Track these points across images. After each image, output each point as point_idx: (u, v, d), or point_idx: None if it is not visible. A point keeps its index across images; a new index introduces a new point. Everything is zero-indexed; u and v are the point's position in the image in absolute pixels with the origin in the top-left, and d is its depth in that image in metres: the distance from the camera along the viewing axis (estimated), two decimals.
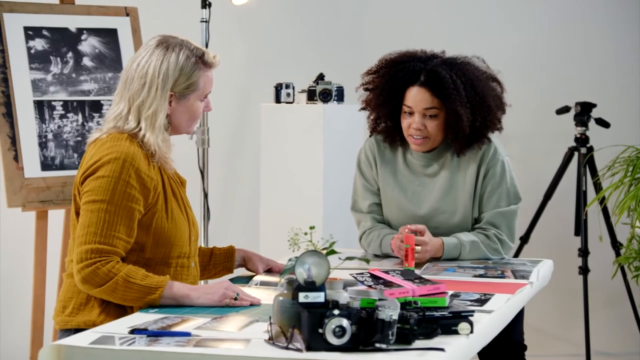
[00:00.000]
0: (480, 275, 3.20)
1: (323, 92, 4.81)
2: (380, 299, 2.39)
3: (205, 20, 4.93)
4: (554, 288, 5.60)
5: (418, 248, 3.33)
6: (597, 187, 5.13)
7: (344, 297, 2.36)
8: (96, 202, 2.77)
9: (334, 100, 4.82)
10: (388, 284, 2.55)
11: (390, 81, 3.48)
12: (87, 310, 2.83)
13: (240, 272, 3.26)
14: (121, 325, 2.53)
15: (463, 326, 2.45)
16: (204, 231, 4.96)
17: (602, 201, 4.99)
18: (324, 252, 2.40)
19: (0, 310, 5.44)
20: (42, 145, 4.53)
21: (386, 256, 3.52)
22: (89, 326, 2.74)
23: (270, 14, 5.78)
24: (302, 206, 4.88)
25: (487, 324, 2.64)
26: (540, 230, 5.37)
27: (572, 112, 5.32)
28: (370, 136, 3.65)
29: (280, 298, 2.38)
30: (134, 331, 2.45)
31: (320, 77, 4.87)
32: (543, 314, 5.59)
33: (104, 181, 2.78)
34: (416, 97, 3.43)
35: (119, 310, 2.78)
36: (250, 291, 2.89)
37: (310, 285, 2.32)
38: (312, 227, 2.42)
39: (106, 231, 2.76)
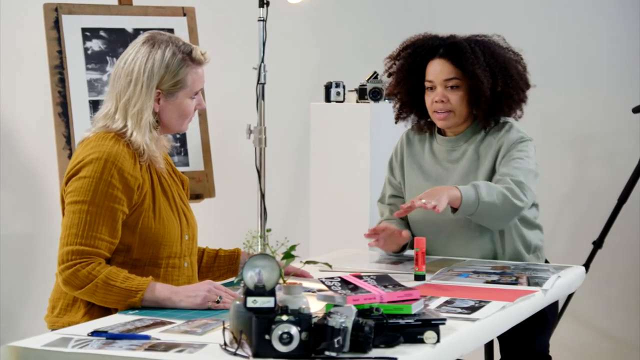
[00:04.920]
0: (493, 282, 3.06)
1: (373, 91, 4.71)
2: (335, 305, 2.29)
3: (262, 19, 4.85)
4: (631, 296, 5.37)
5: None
6: None
7: (301, 302, 2.27)
8: (78, 203, 2.75)
9: (385, 99, 4.71)
10: (356, 290, 2.44)
11: (409, 58, 3.46)
12: (73, 312, 2.82)
13: None
14: (92, 327, 2.48)
15: (429, 335, 2.33)
16: (261, 231, 4.91)
17: None
18: (282, 255, 2.32)
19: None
20: None
21: (401, 261, 3.42)
22: None
23: (329, 11, 5.70)
24: (351, 206, 4.80)
25: (467, 333, 2.50)
26: (614, 235, 5.13)
27: None
28: (396, 123, 3.63)
29: (237, 302, 2.31)
30: (93, 333, 2.41)
31: (374, 75, 4.76)
32: (619, 323, 5.35)
33: (86, 182, 2.75)
34: (436, 68, 3.41)
35: (103, 312, 2.75)
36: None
37: (260, 290, 2.24)
38: (268, 230, 2.35)
39: (87, 232, 2.73)
